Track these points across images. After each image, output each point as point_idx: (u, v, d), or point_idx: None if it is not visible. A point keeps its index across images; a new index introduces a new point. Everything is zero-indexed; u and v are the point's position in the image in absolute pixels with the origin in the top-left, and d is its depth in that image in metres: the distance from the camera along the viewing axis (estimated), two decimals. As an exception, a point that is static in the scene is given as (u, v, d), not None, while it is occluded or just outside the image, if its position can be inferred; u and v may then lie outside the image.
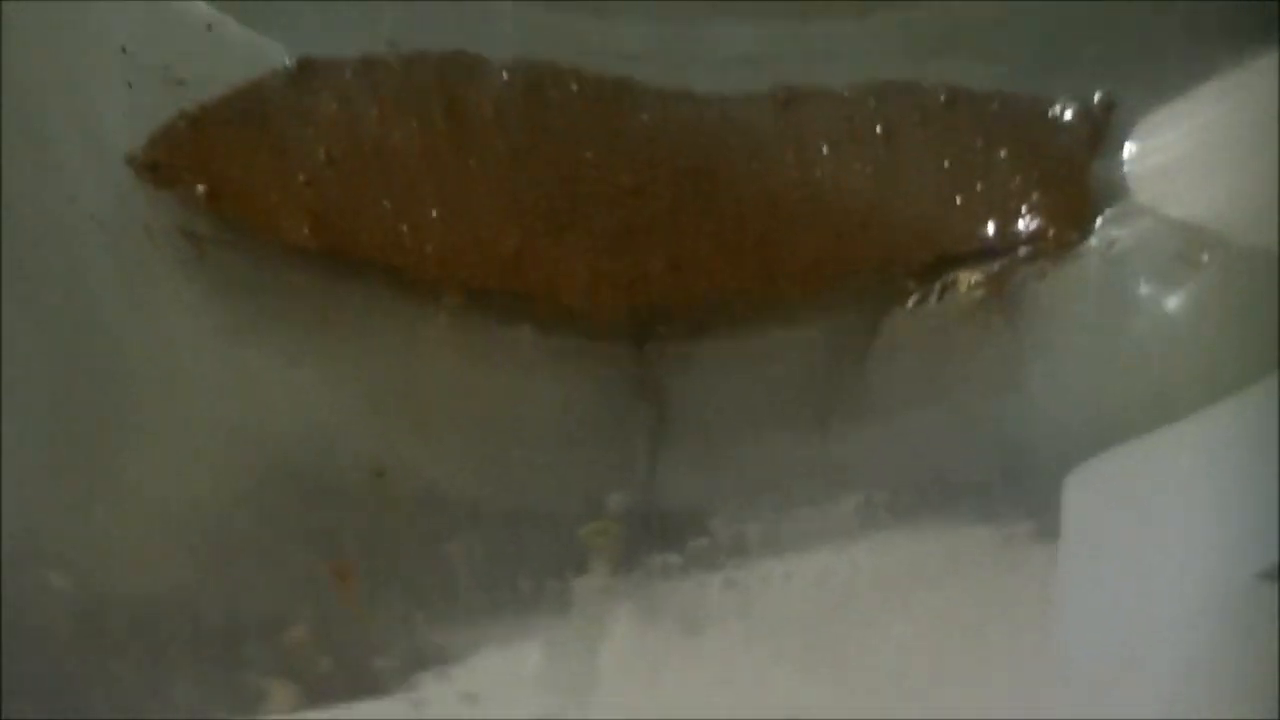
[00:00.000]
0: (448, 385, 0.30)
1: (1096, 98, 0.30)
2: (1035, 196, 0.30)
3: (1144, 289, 0.30)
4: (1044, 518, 0.28)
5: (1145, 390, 0.29)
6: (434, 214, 0.30)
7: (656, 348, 0.31)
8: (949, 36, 0.30)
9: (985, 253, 0.30)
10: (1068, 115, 0.30)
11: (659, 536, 0.29)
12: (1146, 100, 0.30)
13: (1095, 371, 0.30)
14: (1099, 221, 0.30)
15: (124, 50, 0.31)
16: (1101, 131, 0.30)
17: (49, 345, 0.29)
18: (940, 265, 0.31)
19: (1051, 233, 0.30)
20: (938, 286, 0.31)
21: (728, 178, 0.30)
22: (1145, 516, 0.28)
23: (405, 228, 0.30)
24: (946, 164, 0.31)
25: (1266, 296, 0.28)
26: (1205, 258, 0.29)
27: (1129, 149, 0.30)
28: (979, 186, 0.30)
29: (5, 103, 0.28)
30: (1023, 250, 0.30)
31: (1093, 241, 0.30)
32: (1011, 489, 0.29)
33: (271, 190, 0.30)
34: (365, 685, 0.28)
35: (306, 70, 0.31)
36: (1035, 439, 0.30)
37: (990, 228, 0.30)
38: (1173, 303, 0.30)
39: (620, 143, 0.31)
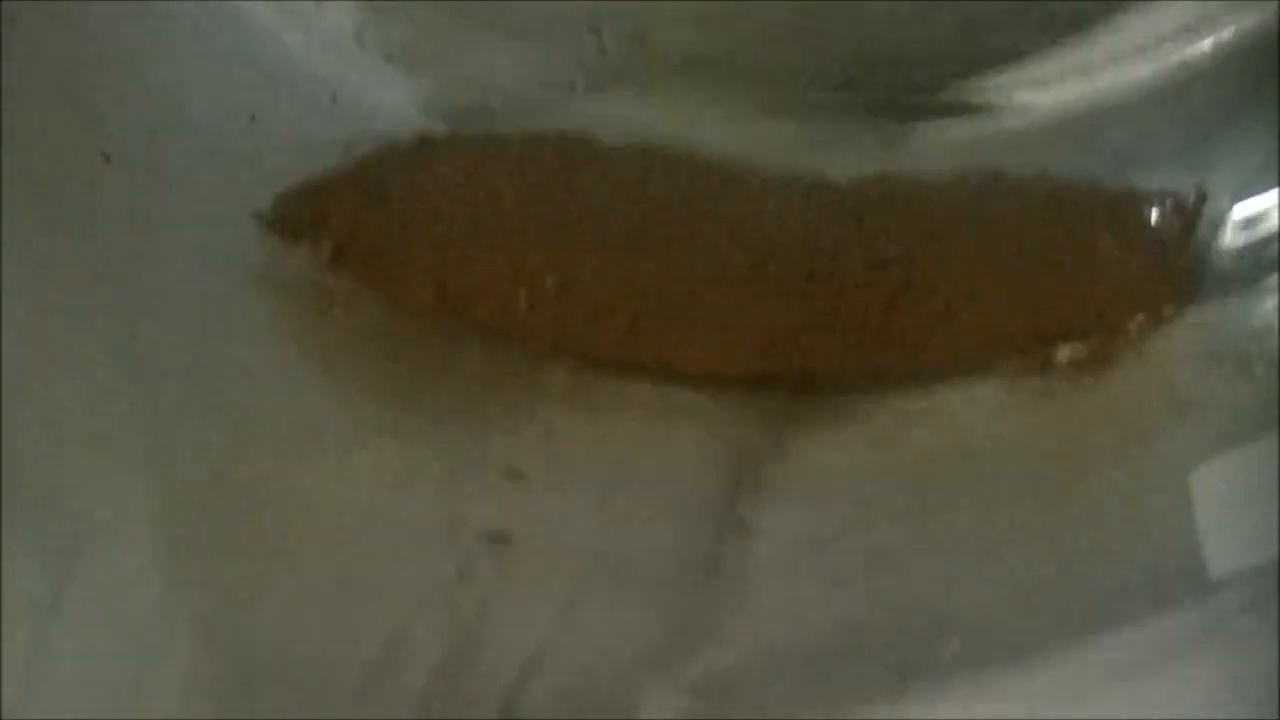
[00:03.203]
0: (571, 441, 0.30)
1: (1188, 191, 0.32)
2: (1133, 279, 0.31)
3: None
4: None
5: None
6: (549, 284, 0.31)
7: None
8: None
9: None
10: (1159, 210, 0.32)
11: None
12: (1236, 192, 0.31)
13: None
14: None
15: (253, 118, 0.32)
16: (1194, 224, 0.31)
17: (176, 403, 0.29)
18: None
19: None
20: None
21: (840, 257, 0.31)
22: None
23: (522, 295, 0.31)
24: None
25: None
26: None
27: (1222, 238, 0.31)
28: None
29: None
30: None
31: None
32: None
33: (395, 254, 0.31)
34: None
35: (426, 145, 0.32)
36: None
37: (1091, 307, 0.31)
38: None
39: (736, 226, 0.32)
